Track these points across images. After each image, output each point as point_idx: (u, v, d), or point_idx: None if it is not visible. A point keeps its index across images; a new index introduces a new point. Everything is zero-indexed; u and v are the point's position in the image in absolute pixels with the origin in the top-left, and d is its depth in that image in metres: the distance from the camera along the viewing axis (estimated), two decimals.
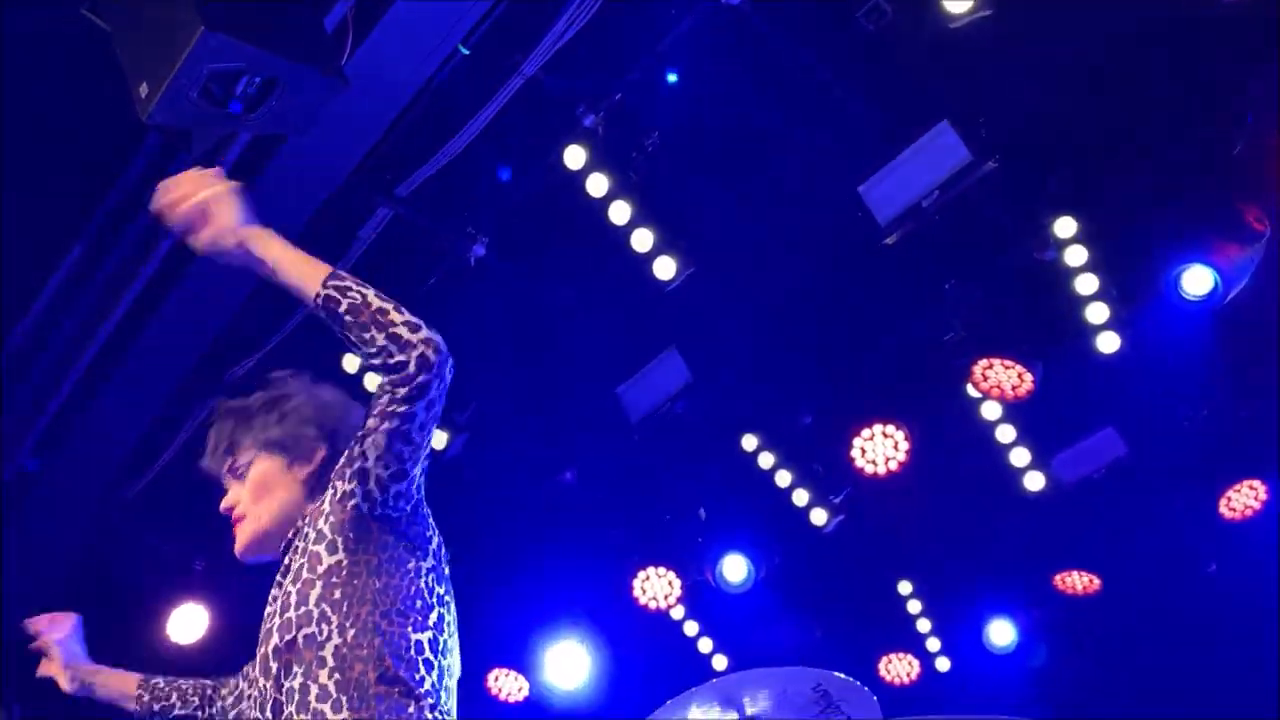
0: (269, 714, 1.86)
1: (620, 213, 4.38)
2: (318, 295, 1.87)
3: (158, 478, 5.35)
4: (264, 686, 1.89)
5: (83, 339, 4.76)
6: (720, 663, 6.19)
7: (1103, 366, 4.88)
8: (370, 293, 1.88)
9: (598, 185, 4.32)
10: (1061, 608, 6.14)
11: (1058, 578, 6.12)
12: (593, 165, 4.29)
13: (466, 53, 3.95)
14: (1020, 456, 5.43)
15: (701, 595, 5.99)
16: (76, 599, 3.27)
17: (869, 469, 5.46)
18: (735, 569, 5.64)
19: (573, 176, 4.31)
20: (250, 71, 3.29)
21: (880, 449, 5.44)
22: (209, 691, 2.43)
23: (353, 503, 1.91)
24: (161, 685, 2.47)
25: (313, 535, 1.95)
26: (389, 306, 1.88)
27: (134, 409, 4.99)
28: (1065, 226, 4.61)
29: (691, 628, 6.23)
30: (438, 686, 1.89)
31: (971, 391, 5.24)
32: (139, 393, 4.89)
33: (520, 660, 6.28)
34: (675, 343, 5.09)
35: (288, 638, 1.86)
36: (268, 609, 2.00)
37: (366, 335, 1.85)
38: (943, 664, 6.42)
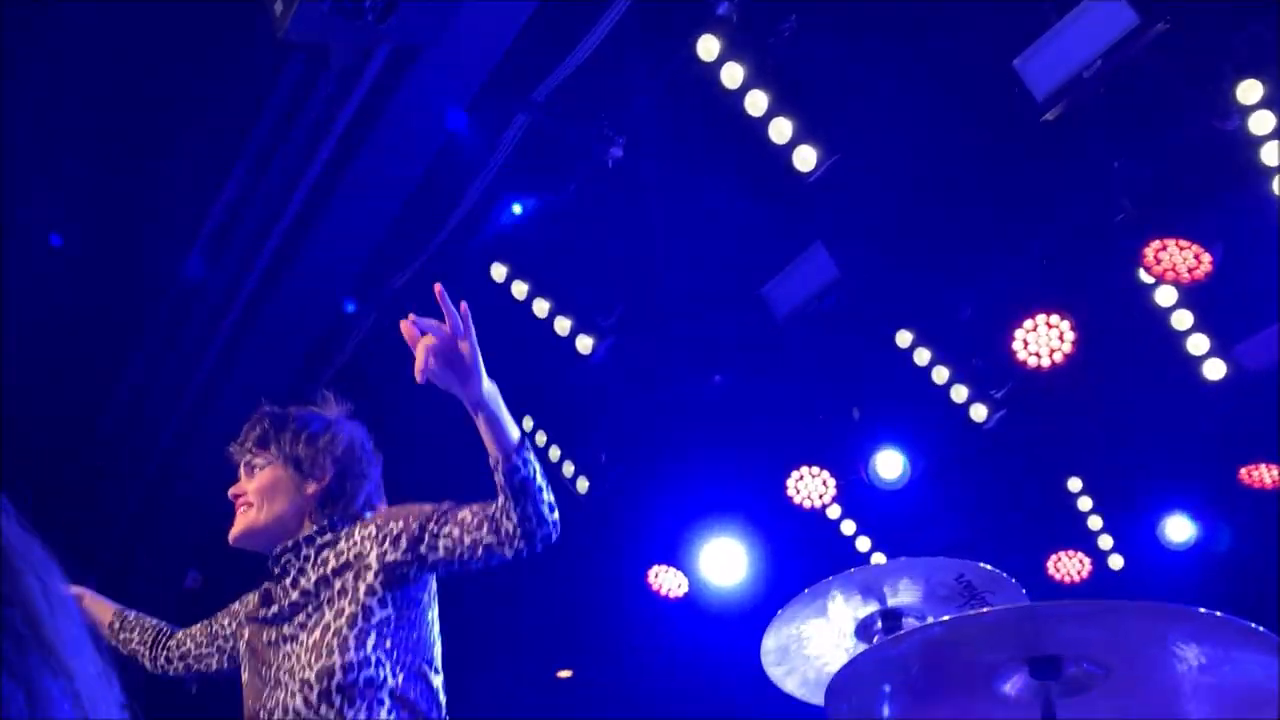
0: None
1: (757, 103, 4.25)
2: (512, 455, 2.10)
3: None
4: (308, 710, 2.15)
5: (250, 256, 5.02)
6: (879, 561, 6.13)
7: None
8: (539, 467, 2.14)
9: (732, 76, 4.18)
10: (1248, 502, 5.78)
11: (1244, 471, 5.75)
12: (727, 55, 4.15)
13: None
14: (1198, 344, 5.08)
15: (857, 494, 5.93)
16: None
17: (1032, 362, 5.22)
18: (890, 465, 5.54)
19: (707, 69, 4.20)
20: None
21: (1044, 340, 5.18)
22: (163, 633, 2.62)
23: (401, 570, 2.21)
24: (130, 618, 2.67)
25: (361, 587, 2.22)
26: (544, 485, 2.15)
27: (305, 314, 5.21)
28: (1250, 91, 4.20)
29: (849, 526, 6.18)
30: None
31: (1143, 276, 4.91)
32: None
33: (679, 557, 6.40)
34: (820, 237, 4.95)
35: (351, 677, 2.14)
36: (266, 609, 2.31)
37: (525, 504, 2.11)
38: (1116, 561, 6.17)
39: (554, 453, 6.04)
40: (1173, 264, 4.70)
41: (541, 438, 6.02)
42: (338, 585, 2.25)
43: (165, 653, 2.59)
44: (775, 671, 2.64)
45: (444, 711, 2.25)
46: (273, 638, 2.28)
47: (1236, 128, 4.30)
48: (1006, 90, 4.22)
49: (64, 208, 4.60)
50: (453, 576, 2.32)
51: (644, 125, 4.48)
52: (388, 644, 2.19)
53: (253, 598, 2.45)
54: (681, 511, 6.23)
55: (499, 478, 2.11)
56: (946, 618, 1.88)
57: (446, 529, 2.18)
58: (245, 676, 2.35)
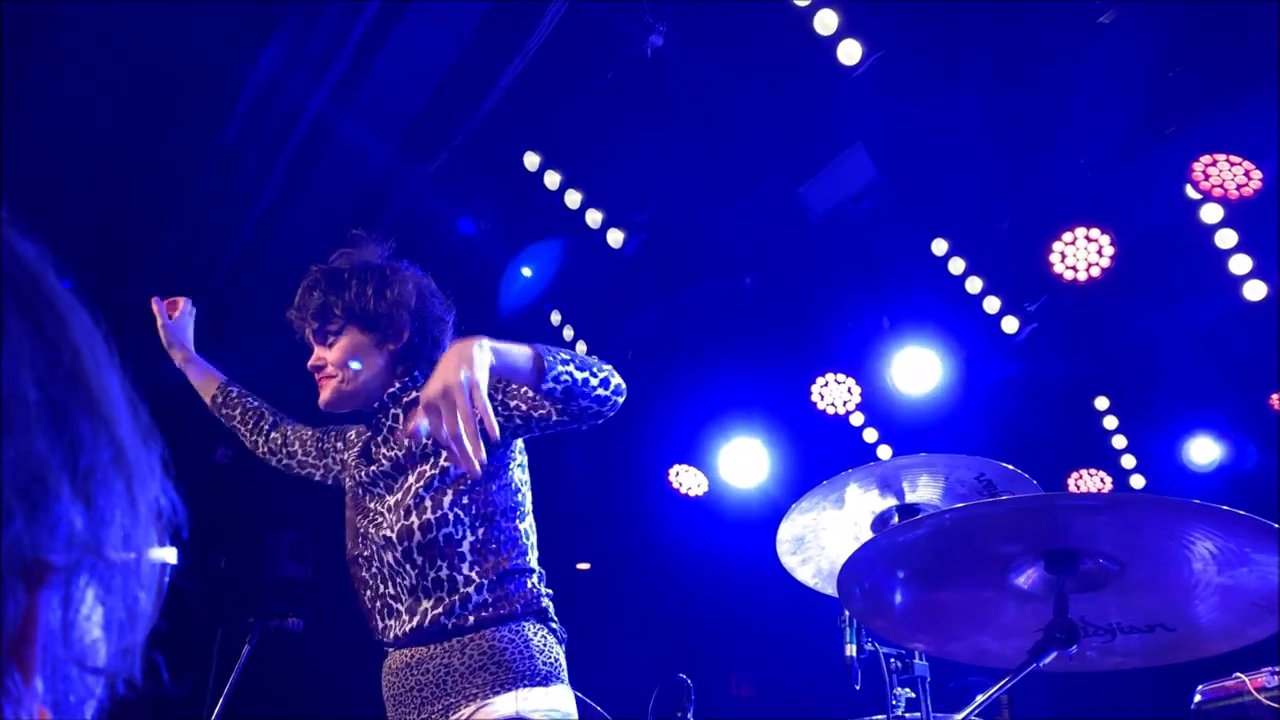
0: (404, 594, 2.16)
1: None
2: (538, 389, 2.02)
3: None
4: (401, 566, 2.16)
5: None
6: None
7: None
8: (572, 366, 2.03)
9: None
10: (1276, 428, 5.71)
11: (1275, 396, 5.68)
12: None
13: None
14: (1241, 264, 4.97)
15: (881, 402, 5.91)
16: None
17: (1068, 275, 5.14)
18: (916, 375, 5.51)
19: None
20: None
21: (1082, 254, 5.10)
22: (265, 420, 2.64)
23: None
24: (234, 394, 2.69)
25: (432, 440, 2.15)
26: (587, 375, 2.05)
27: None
28: None
29: (871, 434, 6.19)
30: (535, 556, 2.26)
31: (1190, 192, 4.80)
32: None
33: (699, 457, 6.45)
34: (861, 137, 4.84)
35: (430, 536, 2.14)
36: (364, 468, 2.31)
37: (573, 404, 2.06)
38: (1137, 481, 6.16)
39: (580, 347, 6.05)
40: (1222, 179, 4.58)
41: (569, 332, 6.02)
42: (417, 447, 2.24)
43: (267, 442, 2.60)
44: (790, 561, 2.66)
45: (530, 553, 2.23)
46: (367, 491, 2.31)
47: None
48: None
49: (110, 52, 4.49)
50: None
51: (686, 14, 4.37)
52: (465, 500, 2.17)
53: (357, 441, 2.44)
54: (704, 412, 6.25)
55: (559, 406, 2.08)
56: (961, 505, 1.87)
57: (513, 402, 2.13)
58: (348, 514, 2.37)
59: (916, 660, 2.57)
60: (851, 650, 2.51)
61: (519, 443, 2.32)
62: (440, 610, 2.14)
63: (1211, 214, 4.89)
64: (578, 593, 7.05)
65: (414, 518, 2.17)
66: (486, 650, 2.09)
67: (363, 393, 2.32)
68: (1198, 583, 1.83)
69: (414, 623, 2.16)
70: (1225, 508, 1.58)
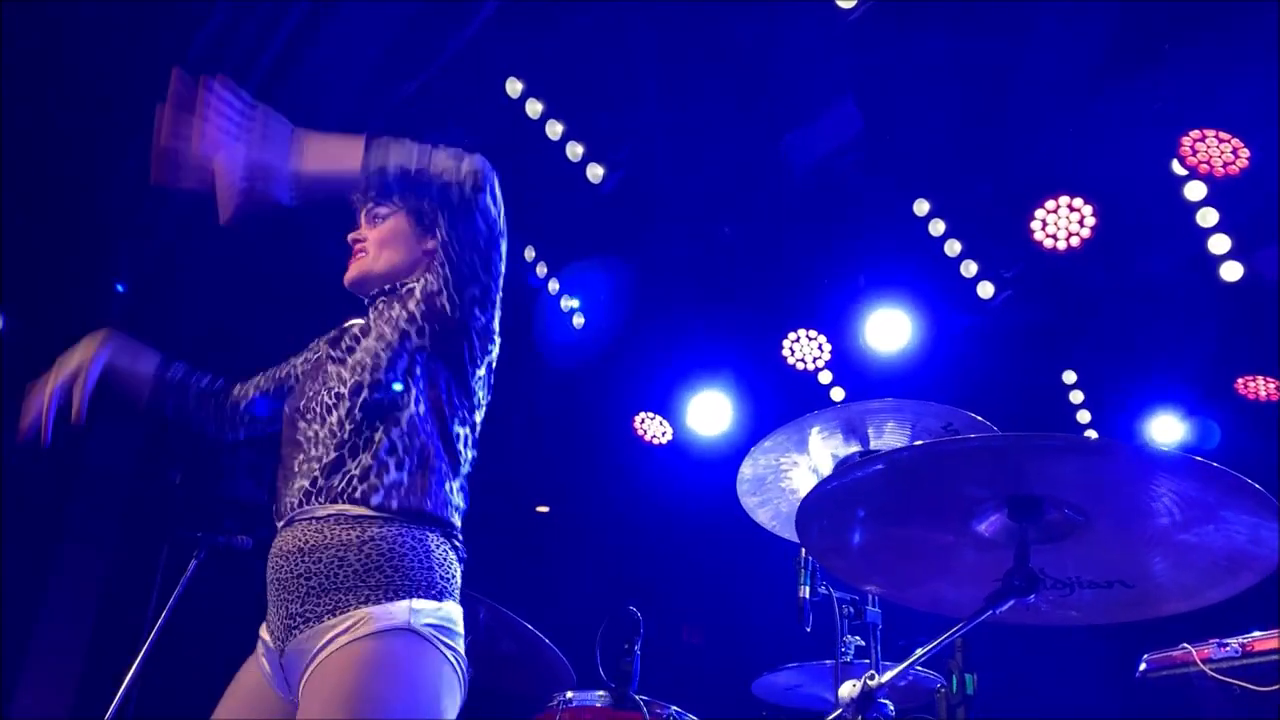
0: (332, 449, 2.11)
1: None
2: (368, 184, 2.05)
3: None
4: (340, 424, 2.13)
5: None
6: None
7: None
8: (411, 156, 2.04)
9: None
10: (1240, 412, 5.74)
11: (1240, 381, 5.70)
12: None
13: None
14: (1220, 243, 4.96)
15: (850, 360, 5.89)
16: None
17: (1048, 243, 5.11)
18: (887, 334, 5.48)
19: None
20: None
21: (1063, 222, 5.07)
22: (227, 396, 2.53)
23: (439, 299, 2.18)
24: (178, 377, 2.52)
25: (403, 314, 2.20)
26: (424, 161, 2.05)
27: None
28: None
29: (838, 393, 6.16)
30: (466, 473, 2.22)
31: (1176, 168, 4.76)
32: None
33: (665, 405, 6.41)
34: (851, 88, 4.76)
35: (376, 395, 2.12)
36: (325, 346, 2.29)
37: (426, 193, 2.08)
38: None
39: (553, 285, 5.97)
40: (1208, 156, 4.55)
41: (542, 269, 5.93)
42: (388, 312, 2.24)
43: (235, 415, 2.52)
44: (749, 501, 2.62)
45: (460, 457, 2.19)
46: (330, 358, 2.26)
47: None
48: None
49: None
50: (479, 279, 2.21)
51: None
52: (418, 370, 2.16)
53: (315, 349, 2.41)
54: (673, 360, 6.20)
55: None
56: (921, 442, 1.82)
57: (440, 239, 2.20)
58: (299, 387, 2.31)
59: (869, 607, 2.55)
60: (805, 591, 2.47)
61: (493, 349, 2.27)
62: (357, 472, 2.07)
63: (1195, 191, 4.86)
64: (538, 534, 7.03)
65: (367, 374, 2.15)
66: (385, 552, 2.02)
67: (386, 279, 2.32)
68: (1162, 539, 1.80)
69: (327, 482, 2.09)
70: (1200, 459, 1.54)
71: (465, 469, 2.21)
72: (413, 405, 2.12)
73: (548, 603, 4.31)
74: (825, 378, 6.10)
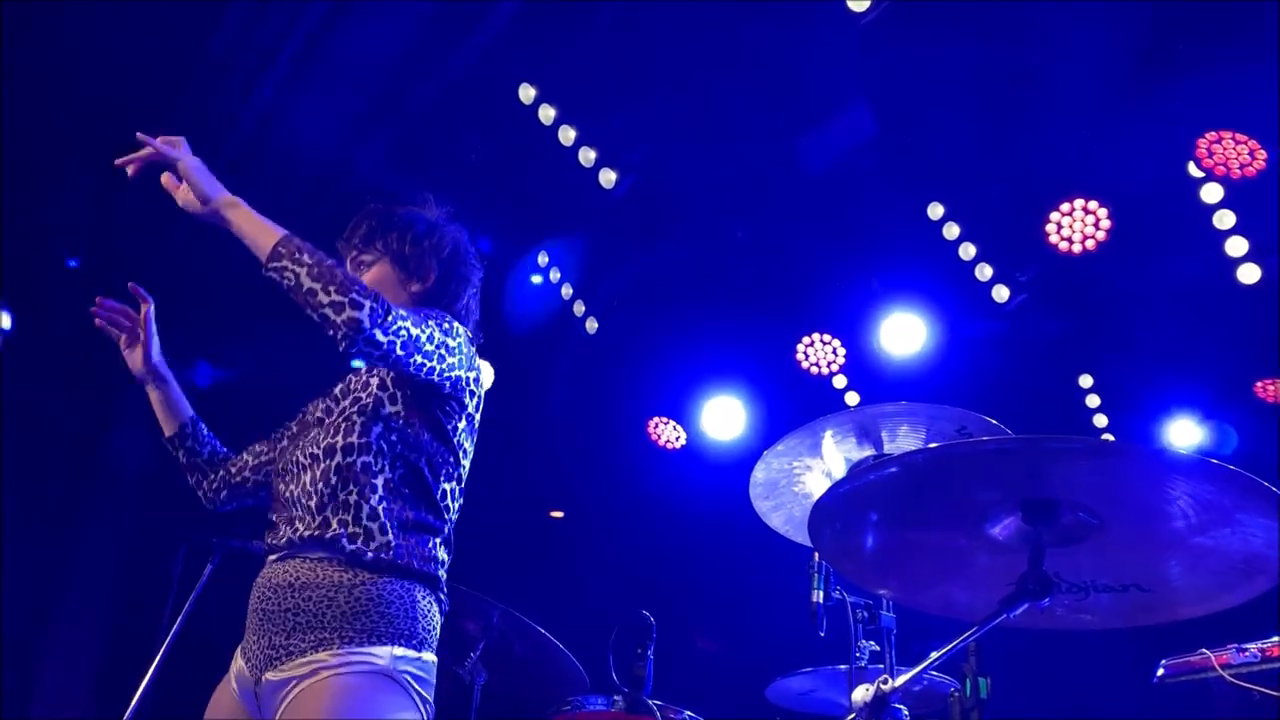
0: (324, 512, 2.15)
1: None
2: (264, 269, 2.08)
3: None
4: (317, 485, 2.18)
5: None
6: None
7: None
8: (303, 272, 2.04)
9: None
10: (1259, 417, 5.69)
11: (1259, 385, 5.65)
12: None
13: None
14: (1237, 246, 4.92)
15: (865, 365, 5.86)
16: None
17: (1063, 246, 5.08)
18: (902, 338, 5.45)
19: None
20: None
21: (1078, 225, 5.04)
22: (219, 468, 2.57)
23: (406, 366, 2.16)
24: (204, 433, 2.59)
25: (375, 380, 2.25)
26: (317, 287, 2.04)
27: None
28: None
29: (852, 397, 6.14)
30: (451, 523, 2.26)
31: (1193, 170, 4.73)
32: None
33: (679, 410, 6.40)
34: (865, 91, 4.74)
35: (349, 459, 2.16)
36: (319, 404, 2.34)
37: (307, 309, 2.06)
38: None
39: (565, 290, 5.97)
40: (1225, 158, 4.51)
41: (555, 274, 5.93)
42: (366, 376, 2.29)
43: (230, 478, 2.56)
44: (762, 505, 2.62)
45: (444, 515, 2.24)
46: (317, 421, 2.31)
47: None
48: None
49: None
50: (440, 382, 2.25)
51: None
52: (393, 437, 2.20)
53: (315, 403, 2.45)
54: (687, 364, 6.19)
55: None
56: (938, 444, 1.81)
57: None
58: (287, 445, 2.38)
59: (884, 611, 2.53)
60: (818, 596, 2.46)
61: (471, 402, 2.30)
62: (343, 531, 2.12)
63: (1212, 194, 4.83)
64: (552, 539, 7.03)
65: (339, 437, 2.20)
66: (375, 598, 2.08)
67: None
68: (1177, 542, 1.79)
69: (314, 531, 2.13)
70: (1215, 461, 1.53)
71: (449, 518, 2.26)
72: (389, 471, 2.17)
73: (562, 607, 4.30)
74: (840, 382, 6.08)
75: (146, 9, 4.42)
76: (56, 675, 5.06)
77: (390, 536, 2.12)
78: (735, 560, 5.78)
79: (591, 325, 6.06)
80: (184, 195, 2.19)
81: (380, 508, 2.13)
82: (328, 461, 2.18)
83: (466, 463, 2.31)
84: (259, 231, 2.10)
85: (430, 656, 2.13)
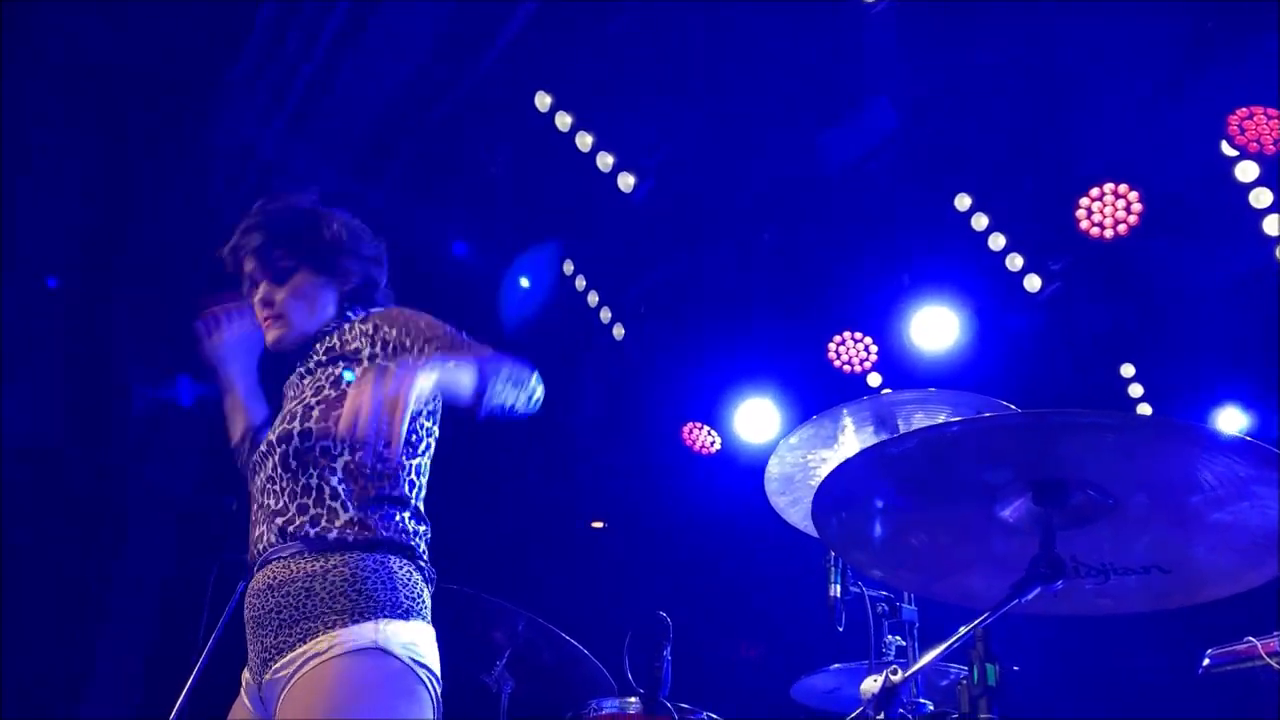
0: (284, 497, 2.16)
1: None
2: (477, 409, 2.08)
3: None
4: (277, 471, 2.19)
5: None
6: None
7: None
8: (508, 391, 2.11)
9: None
10: None
11: None
12: None
13: None
14: (1276, 225, 4.78)
15: (899, 361, 5.78)
16: None
17: (1095, 232, 4.97)
18: (935, 333, 5.37)
19: None
20: None
21: (1109, 210, 4.93)
22: None
23: (379, 362, 2.19)
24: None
25: (342, 365, 2.25)
26: (516, 395, 2.13)
27: None
28: None
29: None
30: (419, 498, 2.25)
31: (1225, 149, 4.61)
32: None
33: (713, 414, 6.35)
34: (885, 86, 4.69)
35: (308, 444, 2.15)
36: (291, 398, 2.33)
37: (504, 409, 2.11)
38: None
39: (592, 298, 5.96)
40: (1259, 134, 4.40)
41: (581, 283, 5.93)
42: (323, 373, 2.28)
43: None
44: (779, 501, 2.58)
45: (411, 490, 2.22)
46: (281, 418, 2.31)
47: None
48: None
49: None
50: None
51: None
52: None
53: None
54: (719, 368, 6.14)
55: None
56: (941, 421, 1.76)
57: (420, 356, 2.17)
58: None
59: (905, 605, 2.48)
60: (835, 590, 2.41)
61: (422, 425, 2.30)
62: (306, 519, 2.12)
63: (1247, 172, 4.70)
64: (591, 548, 7.00)
65: (296, 423, 2.19)
66: (348, 577, 2.06)
67: (311, 335, 2.36)
68: (1195, 519, 1.72)
69: (281, 526, 2.14)
70: (1223, 431, 1.47)
71: (416, 493, 2.25)
72: (348, 453, 2.15)
73: (605, 614, 4.27)
74: (874, 380, 6.00)
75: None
76: (105, 682, 5.17)
77: (353, 513, 2.12)
78: (771, 562, 5.72)
79: (619, 331, 6.04)
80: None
81: (341, 488, 2.14)
82: (285, 447, 2.18)
83: (432, 441, 2.30)
84: (457, 382, 2.08)
85: (421, 625, 2.09)
